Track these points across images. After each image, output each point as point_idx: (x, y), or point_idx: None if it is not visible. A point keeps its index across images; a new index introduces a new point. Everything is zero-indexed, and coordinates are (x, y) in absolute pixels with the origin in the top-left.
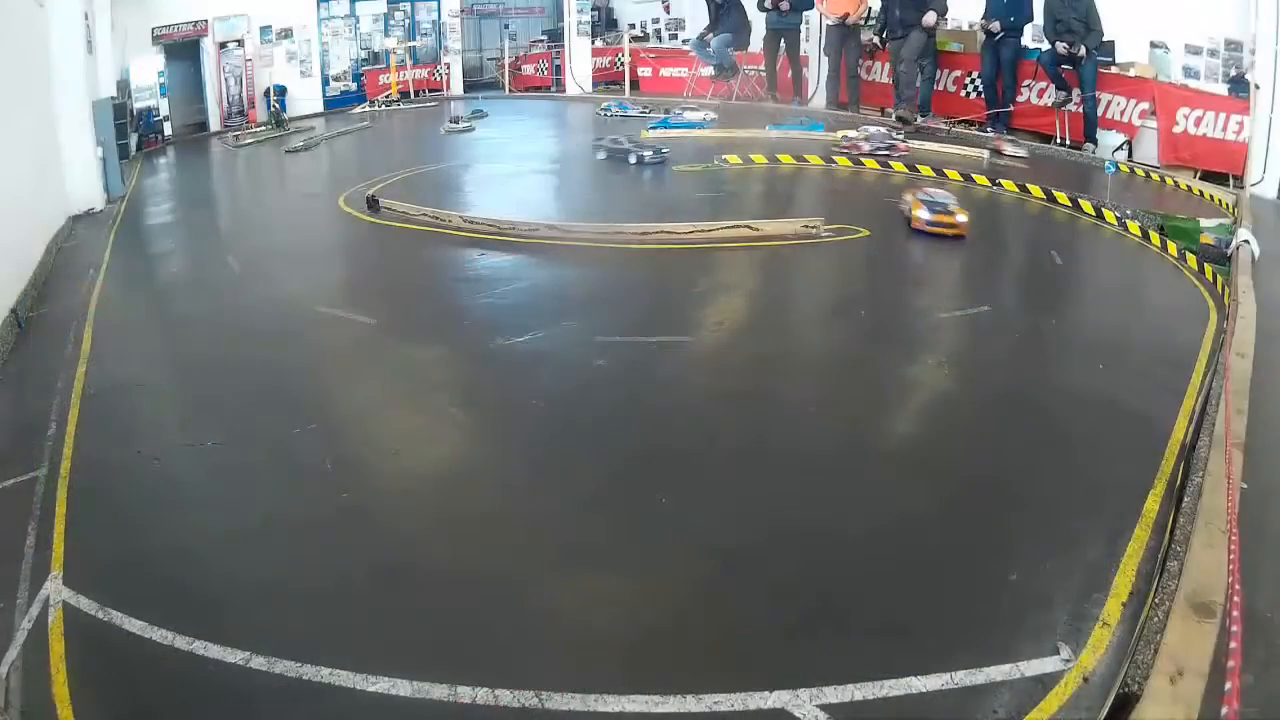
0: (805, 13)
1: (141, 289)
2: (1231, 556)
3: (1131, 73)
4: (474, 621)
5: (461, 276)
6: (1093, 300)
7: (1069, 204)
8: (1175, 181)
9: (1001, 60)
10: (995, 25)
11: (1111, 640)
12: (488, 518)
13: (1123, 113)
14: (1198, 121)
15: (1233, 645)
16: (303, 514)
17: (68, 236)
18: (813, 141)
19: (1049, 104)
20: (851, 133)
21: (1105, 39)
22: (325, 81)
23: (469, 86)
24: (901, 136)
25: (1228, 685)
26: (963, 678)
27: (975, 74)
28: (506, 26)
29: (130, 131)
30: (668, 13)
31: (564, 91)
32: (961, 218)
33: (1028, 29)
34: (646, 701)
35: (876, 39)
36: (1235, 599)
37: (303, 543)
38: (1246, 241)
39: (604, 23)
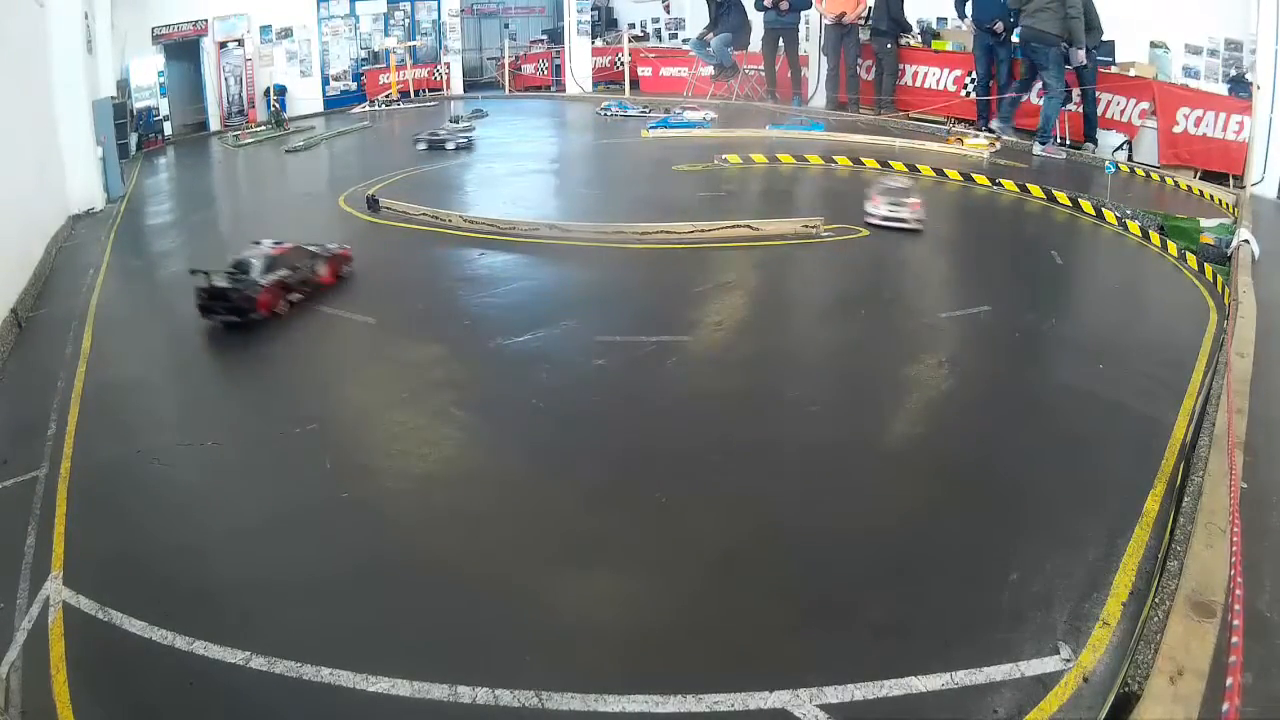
0: (804, 12)
1: (142, 288)
2: (1234, 553)
3: (1131, 73)
4: (474, 620)
5: (462, 276)
6: (1093, 300)
7: (1069, 204)
8: (1175, 181)
9: (998, 59)
10: (999, 26)
11: (1111, 640)
12: (486, 517)
13: (1123, 113)
14: (1198, 121)
15: (1234, 640)
16: (303, 513)
17: (68, 236)
18: (813, 141)
19: None
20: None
21: (1105, 39)
22: (325, 81)
23: (469, 86)
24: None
25: (1229, 681)
26: (963, 678)
27: (974, 74)
28: (506, 26)
29: (130, 131)
30: (668, 12)
31: (564, 91)
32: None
33: None
34: (646, 701)
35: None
36: (1237, 592)
37: (303, 542)
38: (1246, 241)
39: (604, 22)
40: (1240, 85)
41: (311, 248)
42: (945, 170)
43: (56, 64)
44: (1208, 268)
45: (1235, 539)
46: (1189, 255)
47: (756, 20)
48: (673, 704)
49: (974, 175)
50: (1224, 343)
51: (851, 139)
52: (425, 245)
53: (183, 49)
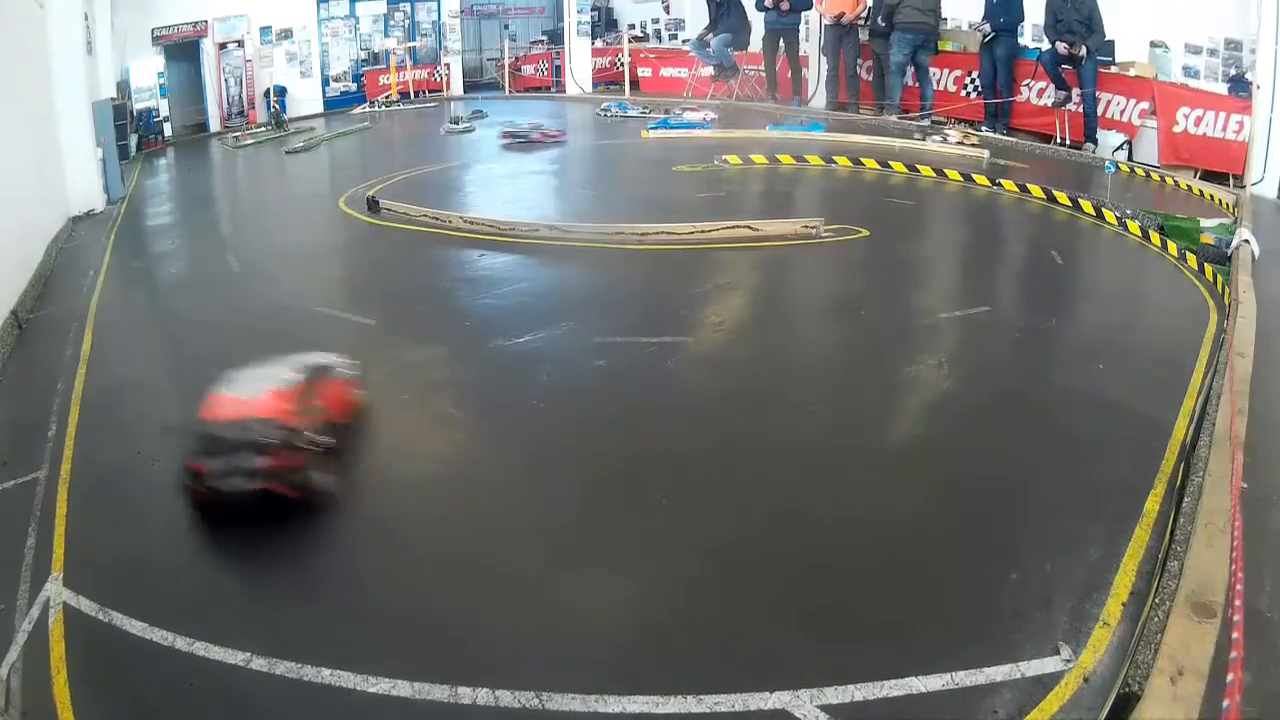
0: (804, 13)
1: (142, 290)
2: (1235, 552)
3: (1131, 72)
4: (474, 622)
5: (461, 277)
6: (1092, 300)
7: (1069, 204)
8: (1175, 181)
9: (996, 59)
10: (986, 27)
11: (1112, 640)
12: (486, 519)
13: (1123, 112)
14: (1198, 121)
15: (1235, 636)
16: (302, 513)
17: (68, 238)
18: (813, 141)
19: (1049, 104)
20: None
21: (1105, 39)
22: (325, 82)
23: (469, 87)
24: None
25: (1230, 677)
26: (963, 678)
27: (974, 73)
28: (506, 27)
29: (130, 132)
30: (668, 13)
31: (564, 92)
32: None
33: (1028, 29)
34: (646, 702)
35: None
36: (1238, 587)
37: (302, 543)
38: (1247, 241)
39: (604, 23)
40: (1240, 85)
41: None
42: (945, 170)
43: (56, 65)
44: (1208, 268)
45: (1237, 538)
46: (1189, 255)
47: (757, 20)
48: (673, 704)
49: (974, 175)
50: (1224, 343)
51: (851, 139)
52: (425, 246)
53: (183, 50)
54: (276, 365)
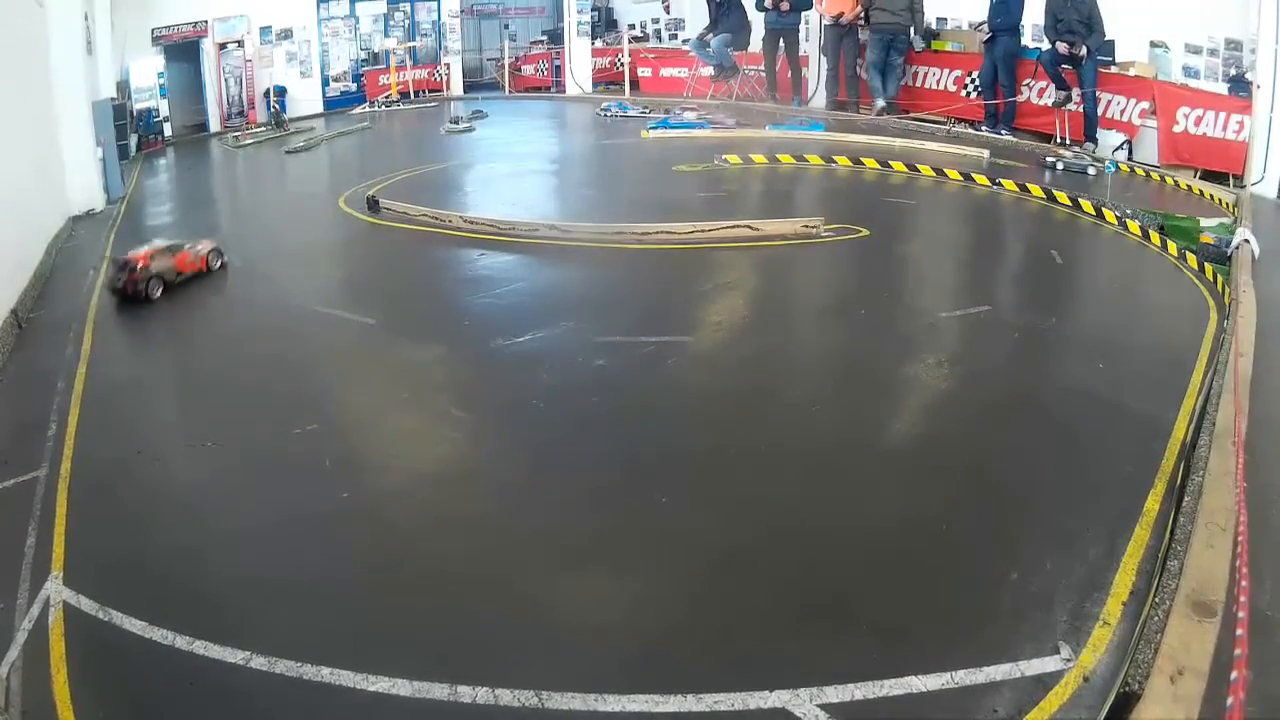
0: (804, 13)
1: None
2: (1239, 550)
3: (1131, 72)
4: (474, 621)
5: (461, 277)
6: (1093, 300)
7: (1069, 203)
8: (1175, 181)
9: (996, 58)
10: (984, 27)
11: (1112, 639)
12: (487, 518)
13: (1123, 112)
14: (1198, 121)
15: (1239, 634)
16: (303, 514)
17: (68, 237)
18: (812, 141)
19: (1049, 103)
20: None
21: (1105, 39)
22: (325, 82)
23: (469, 87)
24: None
25: (1234, 675)
26: (963, 677)
27: (975, 73)
28: (506, 27)
29: (130, 132)
30: (668, 13)
31: (564, 92)
32: None
33: (1028, 28)
34: (646, 701)
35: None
36: (1242, 584)
37: (303, 542)
38: (1247, 240)
39: (604, 23)
40: (1240, 85)
41: None
42: (945, 170)
43: (56, 65)
44: (1208, 267)
45: (1241, 536)
46: (1189, 255)
47: (757, 20)
48: (673, 703)
49: (974, 175)
50: (1224, 342)
51: (851, 139)
52: (425, 246)
53: (183, 50)
54: (161, 240)
